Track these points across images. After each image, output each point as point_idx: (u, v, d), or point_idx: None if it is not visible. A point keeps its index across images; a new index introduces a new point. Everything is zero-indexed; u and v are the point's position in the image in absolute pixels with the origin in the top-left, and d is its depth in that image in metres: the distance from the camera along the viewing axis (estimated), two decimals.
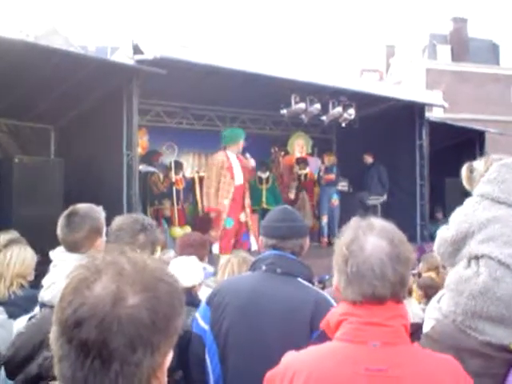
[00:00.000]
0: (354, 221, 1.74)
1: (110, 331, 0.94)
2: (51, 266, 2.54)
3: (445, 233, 2.50)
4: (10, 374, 2.29)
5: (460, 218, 2.42)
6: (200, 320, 2.32)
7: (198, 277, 3.18)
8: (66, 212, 2.59)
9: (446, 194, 10.81)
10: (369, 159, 11.52)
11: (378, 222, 1.70)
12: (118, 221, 2.57)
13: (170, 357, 1.06)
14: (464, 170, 2.70)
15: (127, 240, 2.40)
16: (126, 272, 1.01)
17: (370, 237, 1.64)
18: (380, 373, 1.48)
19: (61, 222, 2.55)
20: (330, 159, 11.41)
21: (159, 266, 1.09)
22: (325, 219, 11.28)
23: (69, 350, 0.96)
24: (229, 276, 3.02)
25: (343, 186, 11.41)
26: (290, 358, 1.64)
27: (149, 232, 2.54)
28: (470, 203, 2.44)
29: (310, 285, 2.32)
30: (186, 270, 3.13)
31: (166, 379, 1.06)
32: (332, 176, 11.18)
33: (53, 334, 1.00)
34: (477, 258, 2.32)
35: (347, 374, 1.50)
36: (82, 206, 2.61)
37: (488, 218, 2.31)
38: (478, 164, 2.62)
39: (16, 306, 3.29)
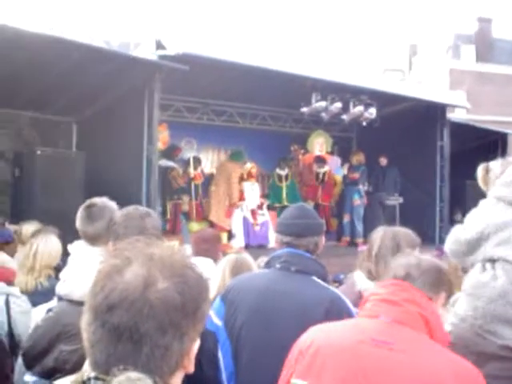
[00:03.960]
0: None
1: (141, 314, 0.97)
2: (69, 260, 2.57)
3: (460, 232, 2.50)
4: (28, 365, 2.33)
5: (476, 219, 2.42)
6: (214, 316, 2.33)
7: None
8: (84, 205, 2.62)
9: (467, 197, 10.70)
10: (384, 161, 11.48)
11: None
12: (121, 211, 2.57)
13: (197, 344, 1.08)
14: (480, 171, 2.69)
15: (137, 224, 2.40)
16: (155, 259, 1.05)
17: None
18: (384, 345, 1.52)
19: (80, 213, 2.58)
20: (358, 159, 11.39)
21: (184, 254, 1.13)
22: (346, 218, 11.27)
23: (101, 334, 0.99)
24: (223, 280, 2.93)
25: (365, 185, 11.37)
26: (312, 328, 1.74)
27: (152, 217, 2.55)
28: (486, 205, 2.44)
29: (325, 283, 2.32)
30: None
31: (193, 368, 1.08)
32: (356, 175, 11.16)
33: (85, 321, 1.03)
34: (492, 260, 2.31)
35: (353, 342, 1.56)
36: (99, 199, 2.64)
37: (504, 221, 2.31)
38: (495, 165, 2.61)
39: (41, 296, 3.34)
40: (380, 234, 2.85)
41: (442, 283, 1.85)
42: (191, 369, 1.08)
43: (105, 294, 0.99)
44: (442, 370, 1.48)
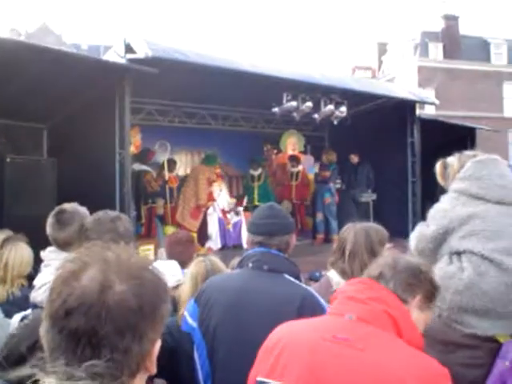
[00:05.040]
0: None
1: (99, 318, 0.98)
2: (42, 266, 2.56)
3: (424, 229, 2.54)
4: (3, 374, 2.30)
5: (439, 214, 2.47)
6: (188, 317, 2.35)
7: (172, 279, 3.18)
8: (54, 211, 2.62)
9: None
10: (355, 159, 11.64)
11: None
12: (92, 216, 2.58)
13: (158, 345, 1.09)
14: (438, 167, 2.74)
15: (109, 227, 2.40)
16: (111, 263, 1.05)
17: None
18: (345, 342, 1.52)
19: (50, 220, 2.58)
20: (328, 157, 11.48)
21: (142, 257, 1.15)
22: (319, 217, 11.35)
23: (60, 340, 0.99)
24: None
25: (338, 183, 11.47)
26: (280, 326, 1.75)
27: (123, 220, 2.55)
28: (448, 199, 2.51)
29: (297, 281, 2.34)
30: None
31: (155, 369, 1.09)
32: (327, 174, 11.25)
33: (43, 329, 1.03)
34: (458, 253, 2.35)
35: (314, 339, 1.57)
36: (69, 205, 2.65)
37: (468, 214, 2.36)
38: (452, 161, 2.66)
39: (14, 305, 3.29)
40: (351, 231, 2.88)
41: (418, 285, 1.78)
42: (153, 370, 1.09)
43: (62, 300, 1.00)
44: (402, 368, 1.45)
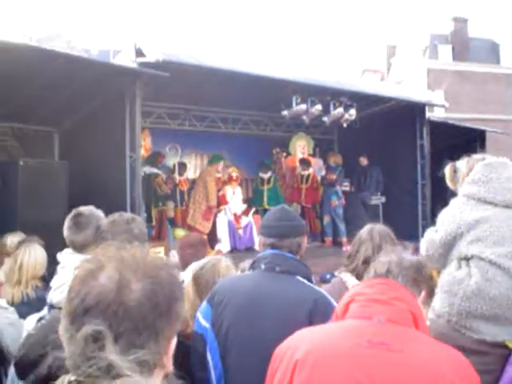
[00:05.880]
0: None
1: (116, 316, 1.01)
2: (59, 268, 2.59)
3: (433, 235, 2.53)
4: (21, 374, 2.33)
5: (448, 219, 2.46)
6: (201, 319, 2.37)
7: None
8: (71, 214, 2.66)
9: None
10: (364, 161, 11.64)
11: None
12: (107, 218, 2.62)
13: (174, 343, 1.11)
14: (447, 170, 2.73)
15: (124, 229, 2.45)
16: (127, 262, 1.08)
17: None
18: (382, 346, 1.50)
19: (67, 223, 2.62)
20: (335, 160, 11.50)
21: (157, 256, 1.18)
22: (326, 219, 11.36)
23: (79, 338, 1.01)
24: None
25: (345, 185, 11.47)
26: (297, 333, 1.69)
27: (138, 221, 2.60)
28: (457, 204, 2.49)
29: (309, 283, 2.36)
30: None
31: (171, 367, 1.11)
32: (333, 176, 11.26)
33: (62, 327, 1.06)
34: (467, 258, 2.34)
35: (348, 346, 1.52)
36: (85, 208, 2.69)
37: (476, 219, 2.35)
38: (461, 164, 2.65)
39: (28, 307, 3.34)
40: (367, 235, 2.89)
41: (423, 281, 1.84)
42: (170, 367, 1.11)
43: (80, 299, 1.02)
44: (441, 365, 1.47)
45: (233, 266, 2.90)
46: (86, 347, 1.00)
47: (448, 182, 2.75)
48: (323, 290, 2.41)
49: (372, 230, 2.93)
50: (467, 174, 2.56)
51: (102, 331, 1.00)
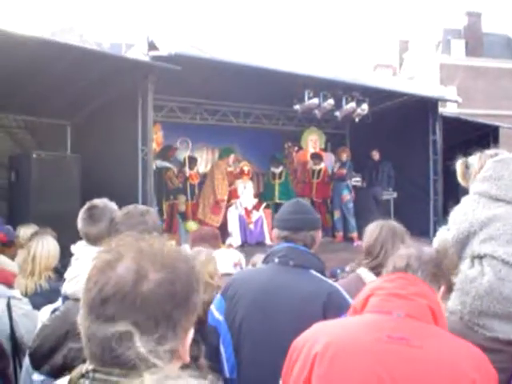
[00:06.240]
0: None
1: (134, 306, 1.01)
2: (73, 260, 2.61)
3: (445, 234, 2.51)
4: (36, 365, 2.35)
5: (460, 217, 2.42)
6: (215, 311, 2.38)
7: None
8: (85, 206, 2.68)
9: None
10: (376, 155, 11.58)
11: None
12: (121, 210, 2.63)
13: (191, 334, 1.12)
14: (459, 167, 2.68)
15: (138, 221, 2.46)
16: (145, 253, 1.08)
17: None
18: (402, 341, 1.50)
19: (81, 215, 2.63)
20: (344, 155, 11.48)
21: (175, 247, 1.17)
22: (337, 214, 11.35)
23: (97, 327, 1.02)
24: None
25: (357, 181, 11.43)
26: (314, 326, 1.69)
27: (152, 214, 2.61)
28: (469, 202, 2.45)
29: (323, 277, 2.36)
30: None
31: (188, 358, 1.11)
32: (343, 171, 11.23)
33: (81, 316, 1.07)
34: (480, 257, 2.31)
35: (368, 340, 1.52)
36: (99, 200, 2.70)
37: (488, 217, 2.32)
38: (473, 160, 2.59)
39: (41, 297, 3.38)
40: (380, 230, 2.88)
41: (442, 276, 1.82)
42: (187, 358, 1.11)
43: (98, 288, 1.03)
44: (461, 361, 1.47)
45: (215, 260, 2.89)
46: (109, 341, 1.01)
47: (459, 179, 2.71)
48: (338, 284, 2.41)
49: (392, 227, 2.92)
50: (479, 170, 2.51)
51: (131, 330, 1.01)
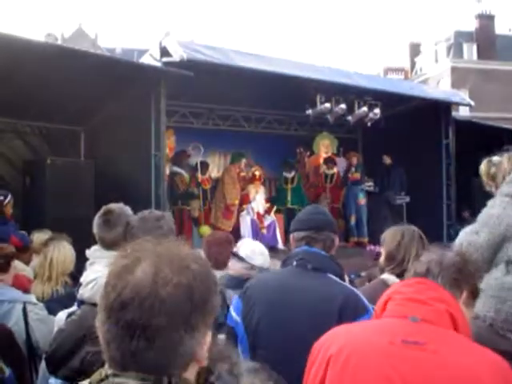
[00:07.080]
0: None
1: (153, 310, 1.01)
2: (88, 264, 2.63)
3: (474, 238, 2.40)
4: (52, 369, 2.36)
5: (492, 220, 2.35)
6: (233, 312, 2.40)
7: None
8: (101, 211, 2.69)
9: (473, 194, 10.67)
10: (387, 160, 11.53)
11: None
12: (137, 215, 2.65)
13: (209, 337, 1.11)
14: (484, 165, 2.62)
15: (154, 225, 2.48)
16: (163, 257, 1.08)
17: None
18: (416, 346, 1.49)
19: (97, 221, 2.65)
20: (356, 159, 11.46)
21: (192, 250, 1.17)
22: (353, 219, 11.32)
23: (116, 332, 1.03)
24: None
25: (369, 185, 11.40)
26: (332, 330, 1.70)
27: (167, 219, 2.63)
28: (500, 204, 2.38)
29: (340, 281, 2.35)
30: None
31: (206, 361, 1.11)
32: (357, 175, 11.21)
33: (99, 321, 1.07)
34: None
35: (382, 344, 1.52)
36: (115, 205, 2.72)
37: None
38: (500, 160, 2.54)
39: (57, 303, 3.40)
40: (401, 235, 2.86)
41: (465, 281, 1.75)
42: (204, 362, 1.10)
43: (117, 293, 1.03)
44: (477, 367, 1.44)
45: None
46: (122, 343, 1.02)
47: (484, 178, 2.64)
48: (363, 290, 2.39)
49: (413, 232, 2.91)
50: (509, 171, 2.46)
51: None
